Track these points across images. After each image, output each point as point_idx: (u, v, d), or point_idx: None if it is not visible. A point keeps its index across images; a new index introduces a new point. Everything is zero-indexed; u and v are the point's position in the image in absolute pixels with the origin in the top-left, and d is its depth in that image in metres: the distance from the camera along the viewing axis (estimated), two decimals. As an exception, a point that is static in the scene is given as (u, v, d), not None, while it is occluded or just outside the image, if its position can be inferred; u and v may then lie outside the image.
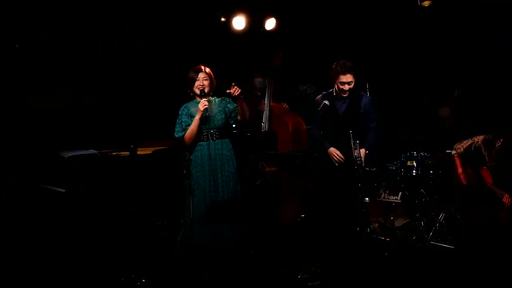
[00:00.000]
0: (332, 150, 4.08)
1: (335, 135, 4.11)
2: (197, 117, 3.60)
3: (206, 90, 3.69)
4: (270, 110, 4.70)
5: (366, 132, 4.12)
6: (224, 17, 4.94)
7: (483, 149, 3.95)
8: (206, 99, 3.61)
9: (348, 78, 4.02)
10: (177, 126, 3.75)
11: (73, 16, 4.78)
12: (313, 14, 5.48)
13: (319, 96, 4.28)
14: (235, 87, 3.65)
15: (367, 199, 3.94)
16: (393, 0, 5.15)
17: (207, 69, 3.77)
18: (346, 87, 4.04)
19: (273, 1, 5.01)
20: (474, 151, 4.04)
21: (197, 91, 3.70)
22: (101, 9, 5.14)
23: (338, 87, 4.09)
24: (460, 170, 4.11)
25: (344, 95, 4.11)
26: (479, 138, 4.05)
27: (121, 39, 6.12)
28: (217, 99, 3.82)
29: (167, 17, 5.40)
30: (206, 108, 3.58)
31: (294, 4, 5.13)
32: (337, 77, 4.06)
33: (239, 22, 4.88)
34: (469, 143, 4.10)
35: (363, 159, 3.94)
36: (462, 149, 4.11)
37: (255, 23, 5.05)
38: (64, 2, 4.65)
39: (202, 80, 3.70)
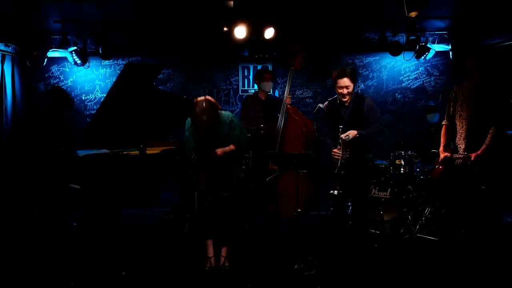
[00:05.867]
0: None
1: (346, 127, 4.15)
2: None
3: (204, 130, 3.41)
4: (286, 112, 4.71)
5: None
6: (226, 27, 4.97)
7: None
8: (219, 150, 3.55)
9: (344, 82, 4.09)
10: (186, 142, 3.69)
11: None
12: (309, 19, 5.51)
13: (325, 103, 4.33)
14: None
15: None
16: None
17: (204, 99, 3.38)
18: (344, 90, 4.11)
19: (272, 11, 5.05)
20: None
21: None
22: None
23: (337, 92, 4.17)
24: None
25: (344, 99, 4.17)
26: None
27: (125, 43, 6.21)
28: (228, 117, 3.63)
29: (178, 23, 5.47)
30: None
31: (291, 11, 5.16)
32: (335, 82, 4.14)
33: (240, 31, 4.91)
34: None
35: (350, 137, 4.00)
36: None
37: (255, 32, 5.09)
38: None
39: (200, 117, 3.34)
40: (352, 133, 4.06)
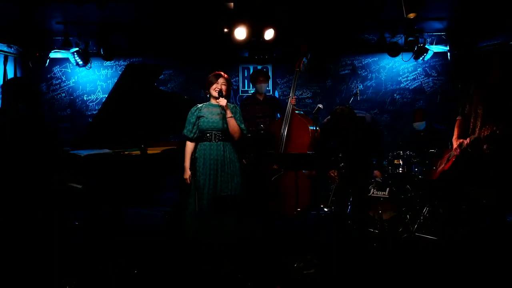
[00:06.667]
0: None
1: (346, 155, 4.29)
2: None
3: (223, 93, 3.72)
4: (291, 113, 4.70)
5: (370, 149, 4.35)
6: (227, 28, 4.97)
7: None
8: (224, 100, 3.65)
9: (342, 123, 4.24)
10: (187, 123, 3.76)
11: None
12: (309, 20, 5.52)
13: (325, 120, 4.41)
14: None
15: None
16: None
17: (226, 75, 3.81)
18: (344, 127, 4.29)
19: (272, 12, 5.05)
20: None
21: (214, 93, 3.69)
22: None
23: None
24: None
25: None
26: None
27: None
28: (230, 105, 3.79)
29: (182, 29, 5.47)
30: (223, 107, 3.62)
31: (291, 12, 5.17)
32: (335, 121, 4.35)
33: (240, 33, 4.91)
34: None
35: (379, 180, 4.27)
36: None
37: (255, 33, 5.10)
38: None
39: (220, 84, 3.71)
40: (378, 174, 4.36)
